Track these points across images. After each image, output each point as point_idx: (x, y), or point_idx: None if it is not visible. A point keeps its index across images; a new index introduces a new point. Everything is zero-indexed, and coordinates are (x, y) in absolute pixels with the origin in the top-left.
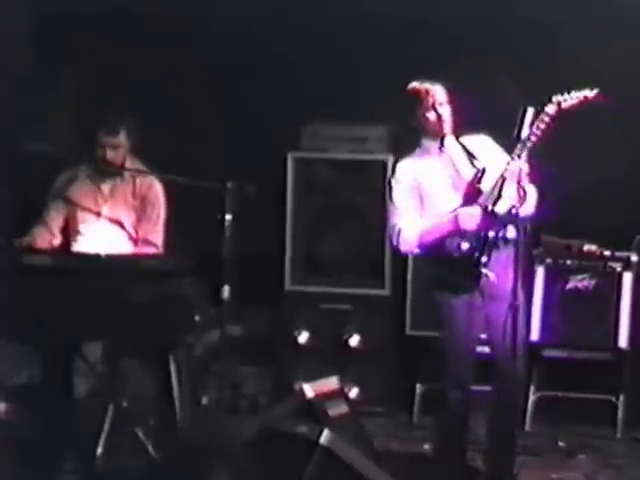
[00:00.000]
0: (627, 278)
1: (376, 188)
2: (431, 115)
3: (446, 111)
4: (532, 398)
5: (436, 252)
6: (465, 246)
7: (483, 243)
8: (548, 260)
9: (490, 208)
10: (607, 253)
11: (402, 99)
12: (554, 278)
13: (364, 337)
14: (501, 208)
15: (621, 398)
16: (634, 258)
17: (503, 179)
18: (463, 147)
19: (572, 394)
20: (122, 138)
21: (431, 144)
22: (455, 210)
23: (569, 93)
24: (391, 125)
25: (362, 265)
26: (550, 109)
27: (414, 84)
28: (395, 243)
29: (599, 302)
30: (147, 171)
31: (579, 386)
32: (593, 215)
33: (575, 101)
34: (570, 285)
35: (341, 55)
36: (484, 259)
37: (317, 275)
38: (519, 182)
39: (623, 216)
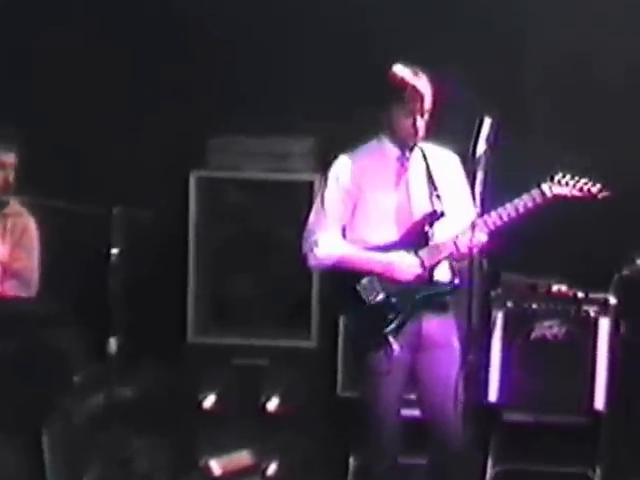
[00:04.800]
0: (604, 325)
1: (300, 214)
2: (408, 122)
3: (425, 121)
4: (490, 472)
5: (346, 293)
6: (380, 297)
7: (405, 303)
8: (509, 303)
9: (428, 267)
10: (580, 294)
11: (332, 106)
12: (516, 325)
13: (285, 400)
14: (441, 276)
15: (597, 471)
16: (612, 301)
17: (456, 247)
18: (428, 171)
19: (539, 467)
20: (14, 157)
21: (392, 149)
22: (390, 251)
23: (572, 177)
24: (318, 138)
25: (283, 310)
26: (546, 189)
27: (404, 74)
28: (305, 251)
29: (571, 354)
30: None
31: (547, 457)
32: (563, 249)
33: (578, 193)
34: (536, 333)
35: (258, 54)
36: (394, 324)
37: (227, 323)
38: (470, 254)
39: (599, 250)
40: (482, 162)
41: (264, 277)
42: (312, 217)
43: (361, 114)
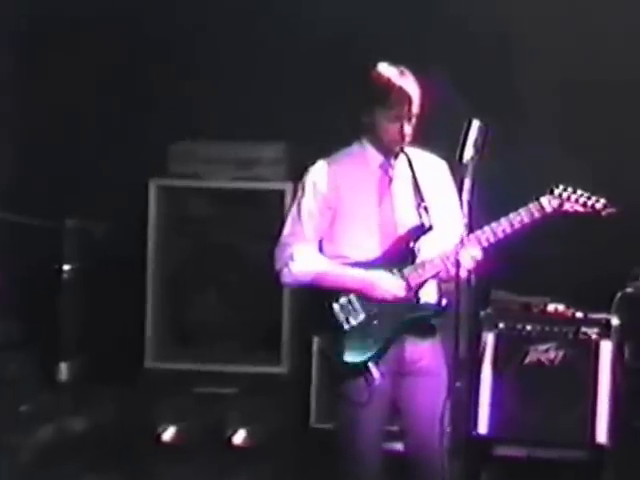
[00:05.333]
0: (606, 348)
1: (271, 227)
2: (395, 128)
3: (413, 125)
4: None
5: (321, 314)
6: (359, 319)
7: (387, 326)
8: (500, 324)
9: (413, 286)
10: (579, 315)
11: (305, 107)
12: (509, 348)
13: (253, 432)
14: (428, 296)
15: None
16: (615, 322)
17: (445, 266)
18: (414, 180)
19: None
20: None
21: (375, 155)
22: (371, 268)
23: (575, 192)
24: (290, 143)
25: (251, 333)
26: (546, 203)
27: (390, 74)
28: (279, 267)
29: (569, 381)
30: None
31: None
32: (559, 265)
33: (581, 208)
34: (530, 358)
35: (222, 52)
36: (375, 349)
37: (189, 347)
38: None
39: (599, 266)
40: (469, 169)
41: (230, 296)
42: (287, 229)
43: (338, 116)
